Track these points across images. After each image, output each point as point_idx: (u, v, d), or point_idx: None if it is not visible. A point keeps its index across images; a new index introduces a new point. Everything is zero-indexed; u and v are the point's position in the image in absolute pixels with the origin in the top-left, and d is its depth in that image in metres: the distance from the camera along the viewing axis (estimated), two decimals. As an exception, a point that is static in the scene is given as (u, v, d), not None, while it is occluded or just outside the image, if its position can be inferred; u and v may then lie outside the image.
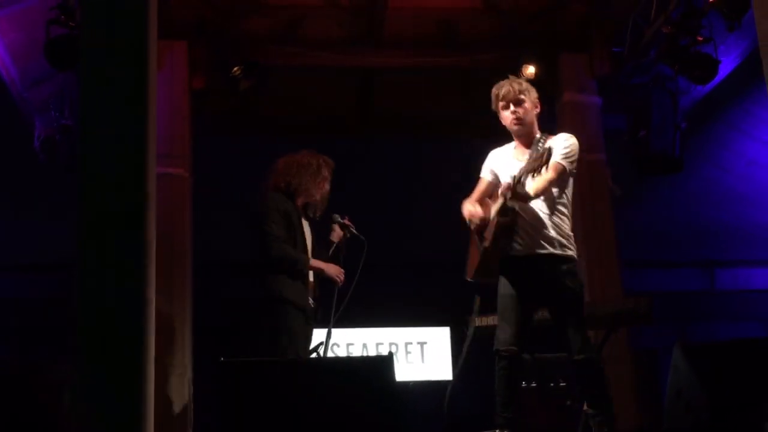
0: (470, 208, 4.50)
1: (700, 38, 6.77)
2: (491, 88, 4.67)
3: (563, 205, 4.47)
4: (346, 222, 5.41)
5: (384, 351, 9.45)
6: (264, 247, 5.07)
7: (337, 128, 9.19)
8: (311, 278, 5.22)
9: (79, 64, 4.05)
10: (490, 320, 6.19)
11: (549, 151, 4.10)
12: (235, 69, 7.41)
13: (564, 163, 4.37)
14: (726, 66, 7.36)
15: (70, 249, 3.75)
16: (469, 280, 4.68)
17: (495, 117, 4.66)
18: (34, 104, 7.51)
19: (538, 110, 4.60)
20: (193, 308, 7.06)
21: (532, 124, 4.57)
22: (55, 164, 7.07)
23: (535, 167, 4.10)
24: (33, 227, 10.12)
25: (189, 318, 6.89)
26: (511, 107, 4.54)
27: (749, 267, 13.05)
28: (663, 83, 7.60)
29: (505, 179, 4.38)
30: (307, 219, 5.36)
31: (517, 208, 4.31)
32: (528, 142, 4.56)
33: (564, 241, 4.43)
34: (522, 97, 4.53)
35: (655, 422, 8.08)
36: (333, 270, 5.23)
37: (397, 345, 9.90)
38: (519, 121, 4.54)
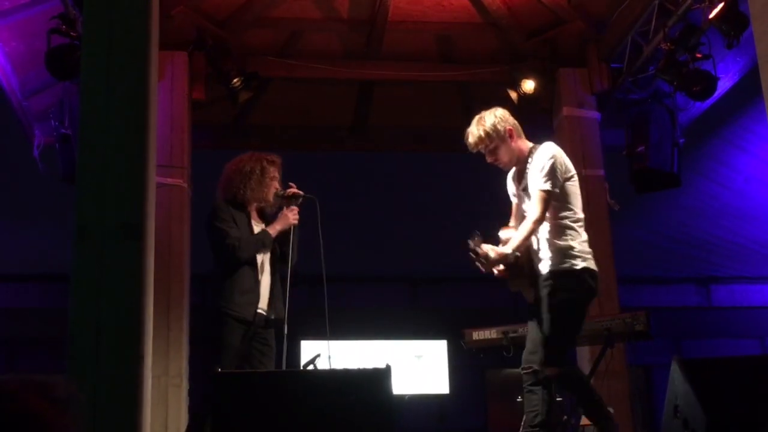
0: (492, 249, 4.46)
1: (699, 55, 6.79)
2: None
3: (563, 218, 4.49)
4: (290, 192, 5.09)
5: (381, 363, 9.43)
6: (218, 247, 4.93)
7: (335, 140, 9.20)
8: (266, 289, 5.03)
9: (80, 74, 4.05)
10: (486, 334, 6.20)
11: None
12: (235, 80, 7.42)
13: (545, 188, 4.41)
14: (724, 83, 7.38)
15: (67, 259, 3.74)
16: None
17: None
18: (34, 113, 7.51)
19: (511, 139, 4.59)
20: (190, 319, 7.04)
21: (513, 155, 4.62)
22: (54, 173, 7.07)
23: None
24: (32, 236, 10.11)
25: (186, 329, 6.87)
26: (487, 156, 4.64)
27: (746, 283, 13.07)
28: (661, 99, 7.63)
29: (514, 201, 4.71)
30: (264, 220, 5.19)
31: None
32: (520, 164, 4.63)
33: (559, 254, 4.43)
34: (487, 149, 4.59)
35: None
36: (289, 217, 5.03)
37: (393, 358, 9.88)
38: (498, 164, 4.66)
